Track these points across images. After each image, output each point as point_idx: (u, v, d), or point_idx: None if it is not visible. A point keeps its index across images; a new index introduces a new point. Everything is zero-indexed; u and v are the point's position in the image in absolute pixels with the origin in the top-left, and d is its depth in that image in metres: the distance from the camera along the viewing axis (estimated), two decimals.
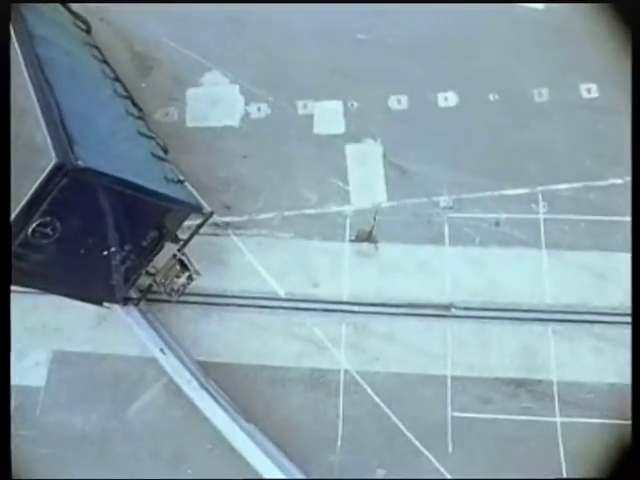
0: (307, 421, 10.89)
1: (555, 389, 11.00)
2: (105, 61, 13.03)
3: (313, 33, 14.05)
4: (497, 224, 12.19)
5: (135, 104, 12.60)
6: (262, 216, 12.40)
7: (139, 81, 13.52)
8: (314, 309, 11.64)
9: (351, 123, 13.19)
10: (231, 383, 11.00)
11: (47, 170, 8.63)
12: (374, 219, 12.27)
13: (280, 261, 12.00)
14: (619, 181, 12.21)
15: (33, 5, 11.74)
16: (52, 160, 8.66)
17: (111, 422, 10.99)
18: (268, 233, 12.27)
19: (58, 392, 11.21)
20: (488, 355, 11.27)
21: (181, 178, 11.36)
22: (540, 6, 14.09)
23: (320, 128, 13.19)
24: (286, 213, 12.41)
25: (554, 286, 11.66)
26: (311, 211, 12.42)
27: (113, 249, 10.11)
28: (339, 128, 13.17)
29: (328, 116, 13.28)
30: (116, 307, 11.26)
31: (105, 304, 11.01)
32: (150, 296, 11.55)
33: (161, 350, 10.94)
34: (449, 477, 10.54)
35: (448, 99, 13.33)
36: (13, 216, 8.66)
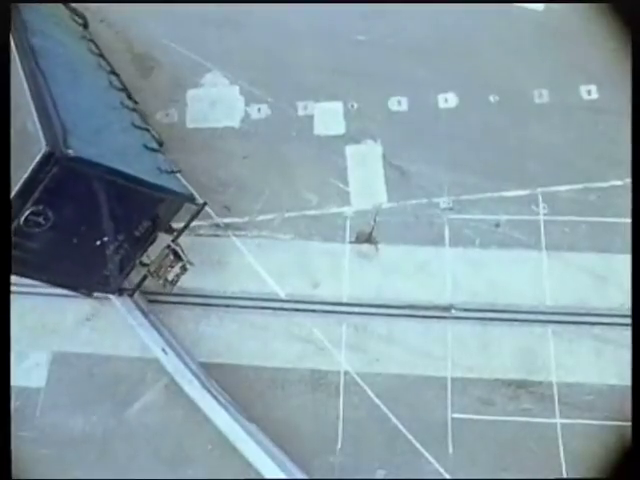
0: (307, 422, 10.88)
1: (555, 390, 11.00)
2: (101, 55, 13.06)
3: (313, 34, 14.04)
4: (497, 225, 12.19)
5: (130, 97, 12.62)
6: (262, 217, 12.40)
7: (139, 82, 13.51)
8: (314, 310, 11.64)
9: (351, 124, 13.18)
10: (231, 384, 11.00)
11: (37, 158, 8.67)
12: (374, 220, 12.27)
13: (280, 262, 11.99)
14: (619, 182, 12.20)
15: None
16: (42, 148, 8.70)
17: (111, 423, 10.99)
18: (268, 234, 12.27)
19: (58, 393, 11.20)
20: (488, 356, 11.26)
21: (175, 169, 11.38)
22: (540, 7, 14.08)
23: (320, 129, 13.18)
24: (286, 214, 12.41)
25: (554, 287, 11.65)
26: (311, 212, 12.42)
27: (106, 239, 10.16)
28: (339, 129, 13.17)
29: (328, 117, 13.27)
30: (116, 307, 11.30)
31: (95, 294, 11.08)
32: (150, 297, 11.58)
33: (163, 350, 10.96)
34: (449, 478, 10.54)
35: (448, 100, 13.33)
36: None
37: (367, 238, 12.18)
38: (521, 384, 11.07)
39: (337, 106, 13.36)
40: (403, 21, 14.01)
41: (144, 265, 11.05)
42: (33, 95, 9.48)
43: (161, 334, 11.09)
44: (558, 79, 13.32)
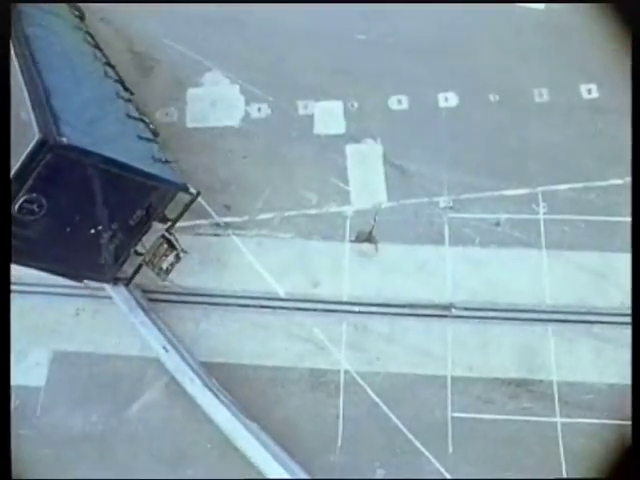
0: (307, 421, 10.89)
1: (555, 389, 11.01)
2: (97, 46, 13.05)
3: (313, 33, 14.04)
4: (497, 224, 12.19)
5: (127, 88, 12.63)
6: (262, 216, 12.40)
7: (139, 81, 13.51)
8: (314, 309, 11.65)
9: (351, 123, 13.19)
10: (231, 383, 11.00)
11: (31, 146, 8.69)
12: (374, 219, 12.27)
13: (280, 261, 12.00)
14: (619, 181, 12.20)
15: None
16: (35, 136, 8.72)
17: (111, 422, 11.00)
18: (268, 233, 12.27)
19: (58, 392, 11.21)
20: (488, 355, 11.27)
21: (169, 159, 11.41)
22: (540, 6, 14.09)
23: (320, 128, 13.18)
24: (286, 213, 12.41)
25: (554, 286, 11.66)
26: (311, 211, 12.42)
27: (100, 227, 10.20)
28: (339, 128, 13.17)
29: (328, 116, 13.27)
30: (117, 305, 11.30)
31: (85, 281, 11.09)
32: (151, 296, 11.58)
33: (164, 348, 10.97)
34: (449, 477, 10.54)
35: (448, 99, 13.33)
36: None
37: (367, 237, 12.18)
38: (521, 383, 11.08)
39: (337, 105, 13.36)
40: (403, 21, 14.01)
41: (139, 254, 11.11)
42: (27, 84, 9.50)
43: (162, 332, 11.10)
44: (558, 78, 13.33)
